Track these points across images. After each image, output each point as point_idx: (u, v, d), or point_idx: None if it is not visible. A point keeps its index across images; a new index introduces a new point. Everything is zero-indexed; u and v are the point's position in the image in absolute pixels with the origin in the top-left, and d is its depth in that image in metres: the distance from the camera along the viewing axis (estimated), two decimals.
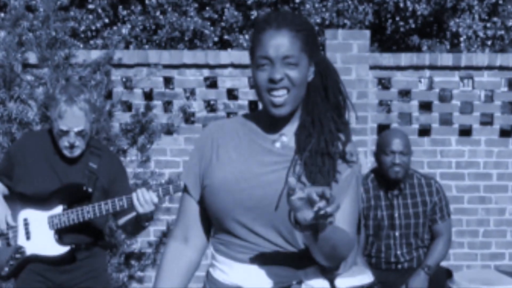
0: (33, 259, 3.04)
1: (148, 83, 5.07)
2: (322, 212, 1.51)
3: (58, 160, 3.04)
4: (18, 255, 3.04)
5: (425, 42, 9.30)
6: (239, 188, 1.78)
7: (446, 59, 5.14)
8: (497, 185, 5.22)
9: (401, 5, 8.83)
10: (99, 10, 8.48)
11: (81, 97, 2.95)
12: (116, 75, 4.91)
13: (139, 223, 3.01)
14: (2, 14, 6.74)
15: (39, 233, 3.03)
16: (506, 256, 5.27)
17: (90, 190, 3.01)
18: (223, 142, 1.86)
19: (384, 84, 6.18)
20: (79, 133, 2.97)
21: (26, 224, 3.05)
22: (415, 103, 5.21)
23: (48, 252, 3.02)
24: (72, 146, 2.98)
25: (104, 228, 3.28)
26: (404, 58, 5.14)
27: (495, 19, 8.97)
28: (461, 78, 5.30)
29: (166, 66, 5.03)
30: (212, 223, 1.89)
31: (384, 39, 9.59)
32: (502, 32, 8.97)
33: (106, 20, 8.58)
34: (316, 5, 8.63)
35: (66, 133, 2.96)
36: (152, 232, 4.88)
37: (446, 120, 5.25)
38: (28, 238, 3.04)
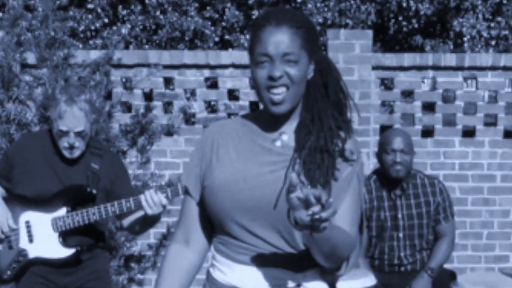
0: (37, 261, 3.02)
1: (148, 84, 5.06)
2: (316, 216, 1.50)
3: (59, 161, 3.03)
4: (20, 258, 3.02)
5: (428, 42, 9.31)
6: (238, 189, 1.78)
7: (450, 59, 5.13)
8: (501, 187, 5.20)
9: (404, 4, 8.84)
10: (99, 10, 8.50)
11: (81, 97, 2.94)
12: (116, 75, 4.90)
13: (147, 224, 3.02)
14: (1, 14, 6.72)
15: (42, 236, 3.01)
16: (510, 259, 5.26)
17: (94, 191, 3.00)
18: (224, 142, 1.86)
19: (386, 84, 6.19)
20: (79, 134, 2.96)
21: (28, 226, 3.03)
22: (418, 103, 5.20)
23: (53, 255, 3.02)
24: (71, 147, 2.97)
25: (105, 229, 3.29)
26: (407, 58, 5.13)
27: (499, 19, 8.97)
28: (465, 79, 5.28)
29: (166, 67, 5.02)
30: (214, 224, 1.88)
31: (387, 39, 9.61)
32: (506, 32, 8.97)
33: (106, 20, 8.60)
34: (318, 4, 8.64)
35: (65, 133, 2.95)
36: (152, 235, 4.88)
37: (449, 121, 5.23)
38: (30, 240, 3.03)
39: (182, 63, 5.05)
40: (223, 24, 8.81)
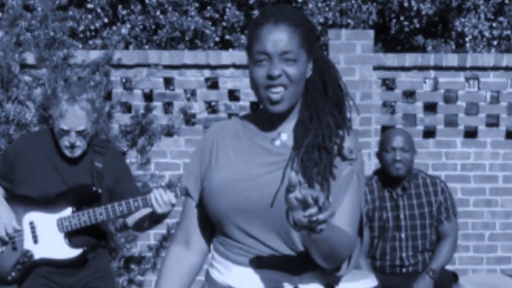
0: (42, 263, 3.01)
1: (148, 84, 5.05)
2: (314, 218, 1.49)
3: (60, 160, 3.01)
4: (25, 260, 3.01)
5: (430, 42, 9.33)
6: (235, 190, 1.77)
7: (451, 59, 5.13)
8: (503, 188, 5.19)
9: (406, 4, 8.86)
10: (98, 10, 8.52)
11: (83, 96, 2.93)
12: (116, 75, 4.90)
13: (155, 221, 3.02)
14: (0, 14, 6.71)
15: (47, 236, 2.99)
16: None
17: (100, 191, 3.00)
18: (223, 143, 1.85)
19: (388, 85, 6.19)
20: (80, 133, 2.94)
21: (32, 227, 3.01)
22: (419, 104, 5.20)
23: (59, 255, 3.00)
24: (73, 146, 2.95)
25: (108, 228, 3.28)
26: (409, 59, 5.12)
27: (501, 18, 8.99)
28: (467, 79, 5.28)
29: (166, 67, 5.01)
30: (213, 225, 1.88)
31: (388, 39, 9.63)
32: (509, 32, 9.00)
33: (106, 20, 8.63)
34: (319, 4, 8.65)
35: (67, 132, 2.93)
36: (152, 236, 4.89)
37: (451, 122, 5.23)
38: (35, 241, 3.01)
39: (182, 63, 5.04)
40: (224, 24, 8.82)
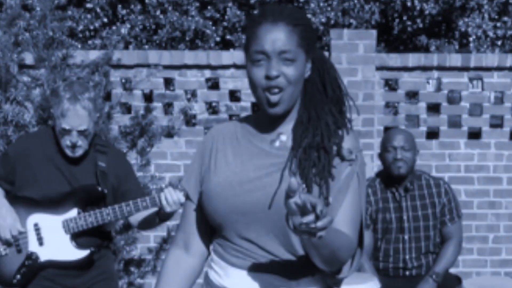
0: (48, 265, 3.00)
1: (148, 84, 5.04)
2: (312, 225, 1.47)
3: (62, 160, 3.00)
4: (30, 262, 3.00)
5: (433, 42, 9.34)
6: (233, 193, 1.77)
7: (455, 59, 5.12)
8: (507, 190, 5.19)
9: (409, 4, 8.87)
10: (98, 9, 8.54)
11: (85, 95, 2.92)
12: (115, 76, 4.89)
13: (161, 220, 3.02)
14: None
15: (53, 238, 2.98)
16: None
17: (105, 191, 2.99)
18: (222, 146, 1.85)
19: (391, 85, 6.19)
20: (82, 133, 2.94)
21: (37, 229, 3.00)
22: (423, 105, 5.19)
23: (66, 257, 2.99)
24: (74, 146, 2.95)
25: (112, 228, 3.27)
26: (412, 59, 5.12)
27: (505, 18, 9.01)
28: (470, 79, 5.29)
29: (167, 67, 5.01)
30: (212, 227, 1.89)
31: (391, 39, 9.64)
32: None
33: (105, 20, 8.66)
34: (321, 4, 8.66)
35: (68, 132, 2.92)
36: (152, 238, 4.90)
37: (454, 123, 5.23)
38: (41, 243, 3.00)
39: (182, 63, 5.04)
40: (224, 24, 8.84)
